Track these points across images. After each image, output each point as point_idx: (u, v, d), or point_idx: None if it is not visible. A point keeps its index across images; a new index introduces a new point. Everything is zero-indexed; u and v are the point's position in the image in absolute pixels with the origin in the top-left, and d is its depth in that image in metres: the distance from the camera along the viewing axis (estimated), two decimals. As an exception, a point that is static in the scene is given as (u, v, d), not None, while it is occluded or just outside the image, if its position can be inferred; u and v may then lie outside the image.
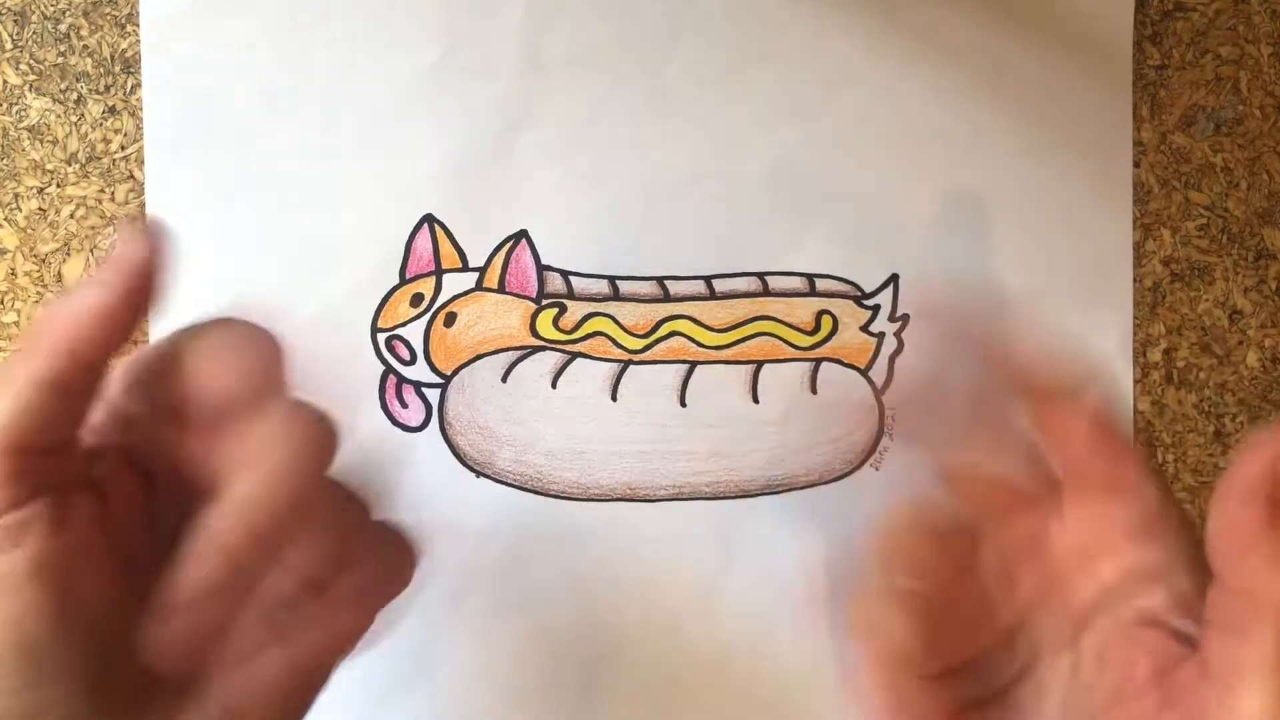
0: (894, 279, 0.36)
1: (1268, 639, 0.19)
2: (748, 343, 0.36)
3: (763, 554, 0.36)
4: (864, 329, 0.36)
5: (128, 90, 0.35)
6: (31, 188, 0.35)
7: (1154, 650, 0.22)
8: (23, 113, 0.35)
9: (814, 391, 0.36)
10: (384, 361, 0.35)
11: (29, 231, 0.35)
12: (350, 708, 0.35)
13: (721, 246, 0.35)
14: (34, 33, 0.35)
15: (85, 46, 0.35)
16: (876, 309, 0.36)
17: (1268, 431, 0.19)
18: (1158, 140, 0.36)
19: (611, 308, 0.35)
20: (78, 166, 0.35)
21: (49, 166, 0.35)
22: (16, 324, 0.35)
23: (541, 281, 0.35)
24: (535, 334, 0.35)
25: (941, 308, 0.32)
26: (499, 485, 0.35)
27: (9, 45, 0.35)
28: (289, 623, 0.21)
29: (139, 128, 0.35)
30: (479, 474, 0.35)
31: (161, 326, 0.35)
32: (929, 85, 0.35)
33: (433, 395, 0.35)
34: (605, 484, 0.35)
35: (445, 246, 0.35)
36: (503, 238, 0.35)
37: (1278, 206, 0.36)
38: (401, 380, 0.35)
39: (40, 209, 0.35)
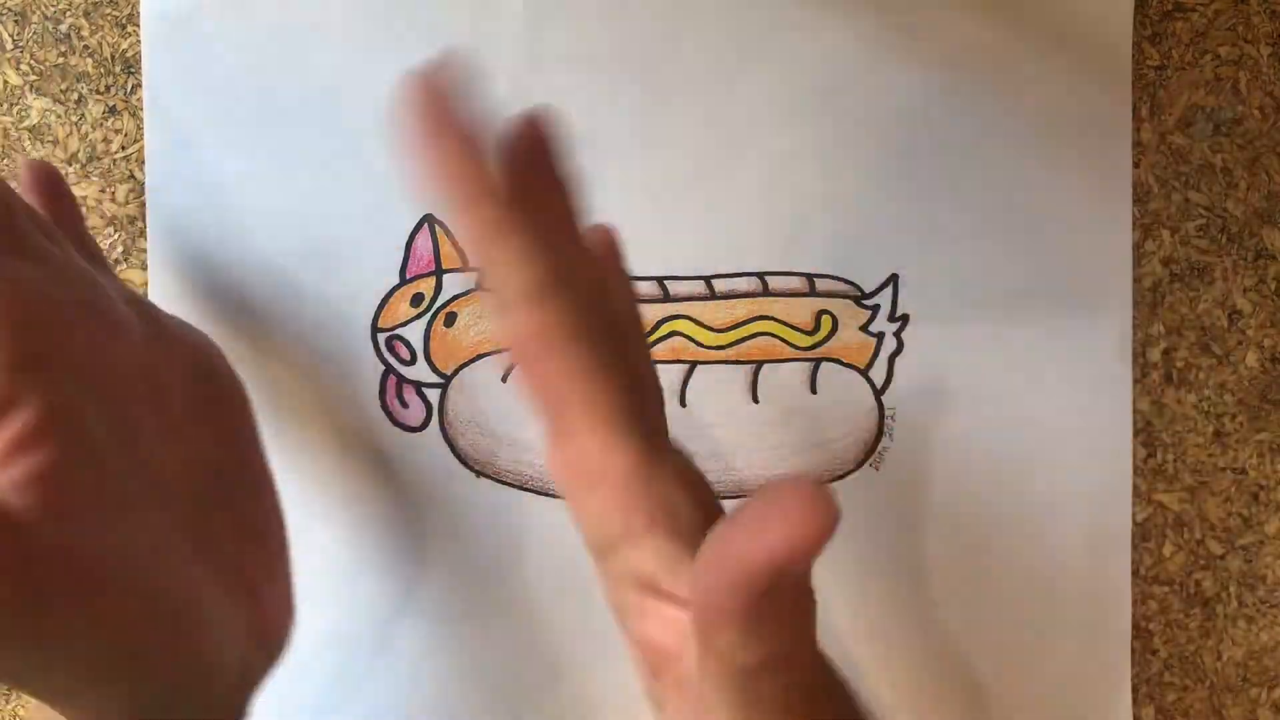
0: (894, 279, 0.36)
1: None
2: (748, 343, 0.36)
3: (763, 554, 0.36)
4: (864, 329, 0.36)
5: (128, 90, 0.35)
6: (32, 188, 0.35)
7: (664, 622, 0.21)
8: (23, 113, 0.35)
9: (814, 391, 0.36)
10: (384, 361, 0.35)
11: (29, 231, 0.35)
12: (348, 708, 0.35)
13: (721, 246, 0.35)
14: (34, 33, 0.35)
15: (86, 47, 0.35)
16: (876, 309, 0.36)
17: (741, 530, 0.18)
18: (1157, 140, 0.36)
19: (611, 308, 0.35)
20: (78, 167, 0.35)
21: (49, 166, 0.35)
22: (17, 324, 0.35)
23: (541, 281, 0.35)
24: (535, 334, 0.35)
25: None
26: (499, 485, 0.35)
27: (10, 45, 0.35)
28: None
29: (139, 128, 0.35)
30: (479, 474, 0.35)
31: (162, 326, 0.35)
32: (929, 85, 0.35)
33: (433, 395, 0.35)
34: (605, 484, 0.35)
35: (445, 246, 0.35)
36: (503, 238, 0.35)
37: (1277, 206, 0.37)
38: (401, 380, 0.35)
39: (40, 209, 0.35)
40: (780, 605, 0.18)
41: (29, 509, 0.20)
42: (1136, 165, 0.36)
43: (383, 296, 0.35)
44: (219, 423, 0.27)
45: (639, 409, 0.22)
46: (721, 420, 0.36)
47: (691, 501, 0.22)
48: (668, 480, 0.22)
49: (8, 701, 0.35)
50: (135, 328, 0.25)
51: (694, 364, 0.35)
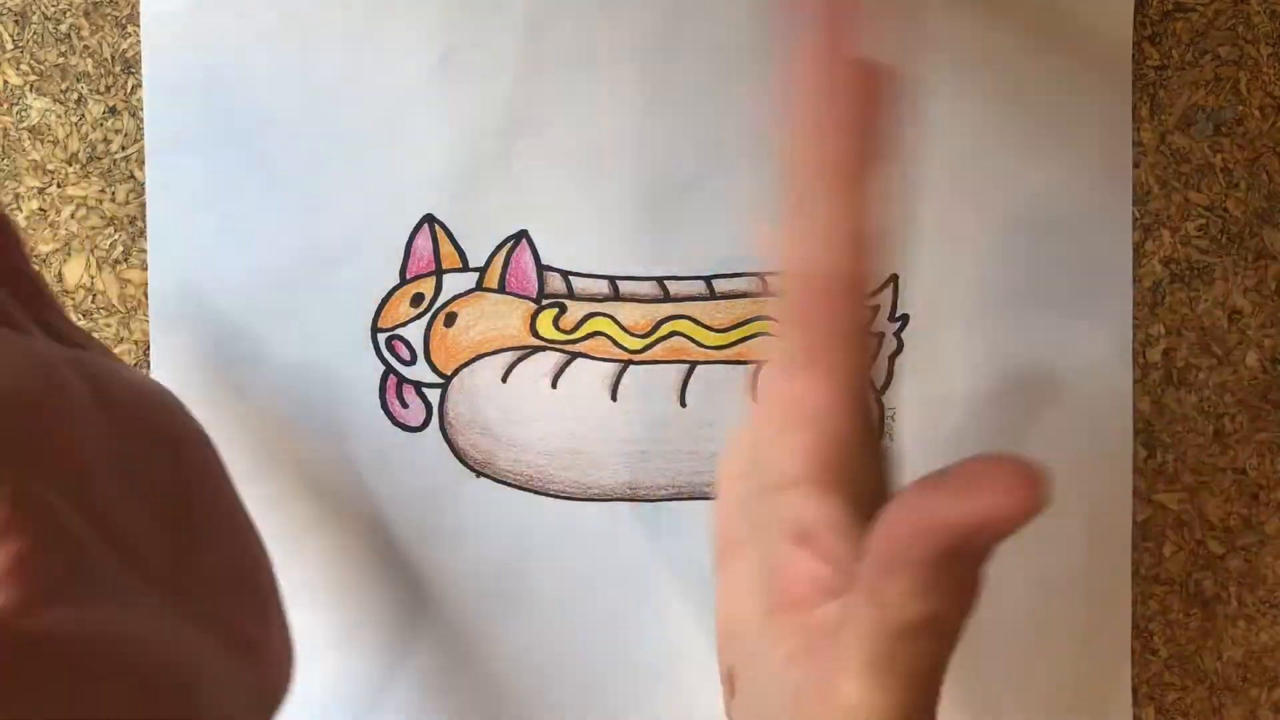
0: (894, 279, 0.36)
1: (867, 637, 0.19)
2: (748, 343, 0.36)
3: (763, 554, 0.36)
4: (864, 329, 0.36)
5: (128, 90, 0.35)
6: (32, 188, 0.35)
7: (805, 573, 0.22)
8: (23, 113, 0.35)
9: (814, 391, 0.36)
10: (384, 361, 0.35)
11: (29, 231, 0.35)
12: (345, 707, 0.35)
13: (721, 246, 0.35)
14: (34, 33, 0.35)
15: (86, 47, 0.35)
16: (876, 309, 0.36)
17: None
18: (1157, 140, 0.36)
19: (611, 308, 0.35)
20: (78, 167, 0.35)
21: (49, 167, 0.35)
22: (17, 324, 0.35)
23: (541, 281, 0.35)
24: (535, 334, 0.35)
25: None
26: (499, 485, 0.35)
27: (9, 46, 0.35)
28: None
29: (139, 128, 0.35)
30: (479, 474, 0.35)
31: (163, 328, 0.35)
32: (929, 86, 0.35)
33: (433, 395, 0.35)
34: (605, 484, 0.35)
35: (445, 246, 0.35)
36: (503, 238, 0.35)
37: (1277, 207, 0.37)
38: (401, 380, 0.35)
39: (40, 209, 0.35)
40: (958, 571, 0.19)
41: (7, 602, 0.20)
42: (1136, 165, 0.36)
43: (383, 296, 0.35)
44: (183, 474, 0.26)
45: (868, 400, 0.22)
46: (721, 420, 0.36)
47: (875, 479, 0.22)
48: (866, 453, 0.22)
49: (8, 701, 0.35)
50: (84, 397, 0.24)
51: (694, 364, 0.35)
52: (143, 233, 0.35)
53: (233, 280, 0.35)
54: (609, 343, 0.35)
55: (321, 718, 0.35)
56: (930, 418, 0.36)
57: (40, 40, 0.35)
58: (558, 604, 0.36)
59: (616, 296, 0.35)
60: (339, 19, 0.34)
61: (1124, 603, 0.36)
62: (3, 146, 0.35)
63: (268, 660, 0.26)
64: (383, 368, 0.35)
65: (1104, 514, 0.36)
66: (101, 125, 0.35)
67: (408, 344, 0.35)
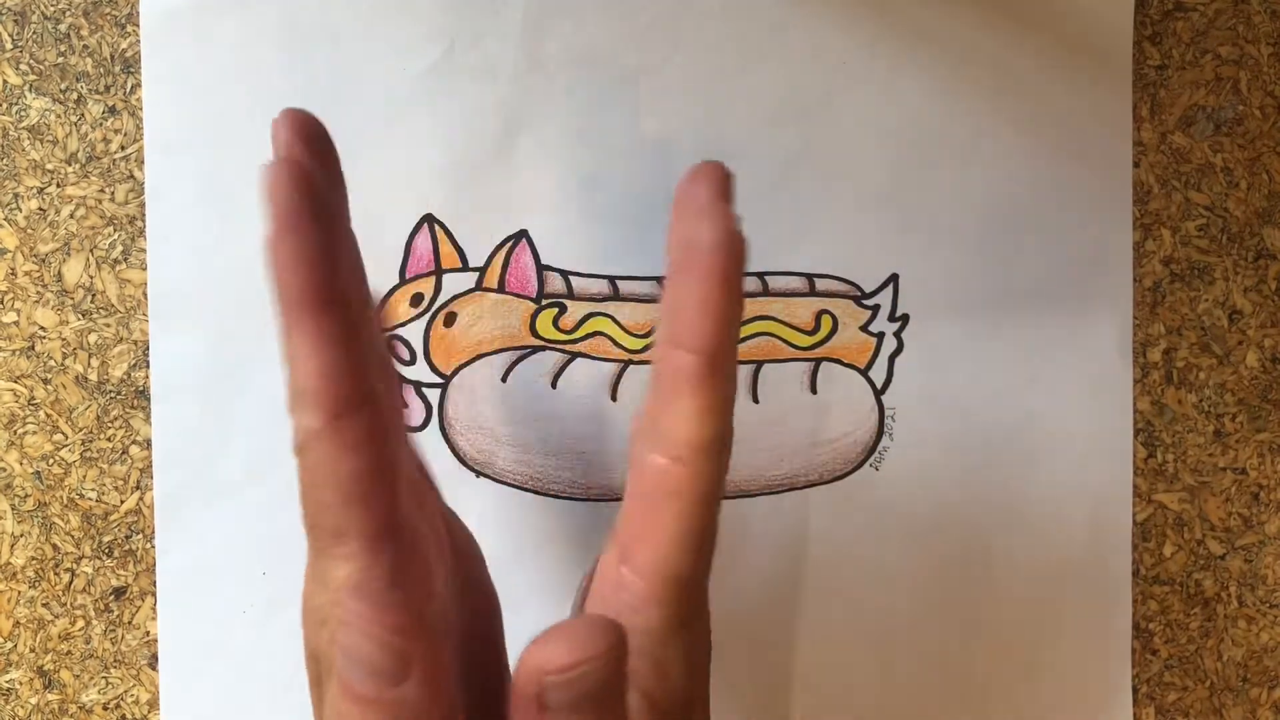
0: (894, 279, 0.36)
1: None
2: (747, 342, 0.36)
3: (762, 554, 0.36)
4: (864, 329, 0.36)
5: (128, 90, 0.35)
6: (31, 188, 0.35)
7: None
8: (22, 113, 0.35)
9: (814, 391, 0.36)
10: (384, 361, 0.35)
11: (29, 231, 0.35)
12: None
13: (721, 246, 0.35)
14: (34, 32, 0.35)
15: (85, 46, 0.35)
16: (876, 309, 0.36)
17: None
18: (1158, 140, 0.36)
19: (611, 307, 0.35)
20: (77, 166, 0.35)
21: (49, 166, 0.35)
22: (16, 324, 0.35)
23: (541, 281, 0.35)
24: (535, 334, 0.35)
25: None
26: (499, 485, 0.35)
27: (9, 45, 0.35)
28: None
29: (139, 128, 0.35)
30: (479, 474, 0.35)
31: (162, 328, 0.35)
32: (929, 85, 0.35)
33: (432, 395, 0.35)
34: (605, 484, 0.35)
35: (445, 246, 0.35)
36: (503, 237, 0.35)
37: (1278, 206, 0.37)
38: (401, 380, 0.35)
39: (40, 209, 0.35)
40: None
41: None
42: (1137, 165, 0.36)
43: (382, 296, 0.35)
44: (481, 628, 0.28)
45: None
46: (721, 420, 0.36)
47: None
48: None
49: (7, 701, 0.35)
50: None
51: (694, 364, 0.35)
52: (142, 232, 0.35)
53: (232, 280, 0.35)
54: (609, 342, 0.35)
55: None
56: (930, 418, 0.36)
57: (39, 40, 0.35)
58: (557, 604, 0.36)
59: (616, 296, 0.35)
60: (339, 18, 0.34)
61: (1124, 603, 0.36)
62: (2, 146, 0.35)
63: None
64: (382, 368, 0.35)
65: (1104, 514, 0.36)
66: (101, 125, 0.35)
67: (407, 344, 0.35)
